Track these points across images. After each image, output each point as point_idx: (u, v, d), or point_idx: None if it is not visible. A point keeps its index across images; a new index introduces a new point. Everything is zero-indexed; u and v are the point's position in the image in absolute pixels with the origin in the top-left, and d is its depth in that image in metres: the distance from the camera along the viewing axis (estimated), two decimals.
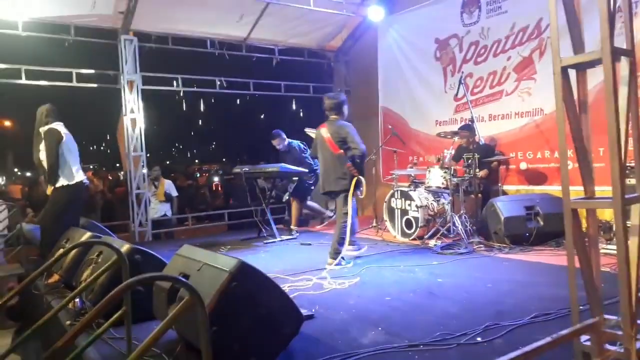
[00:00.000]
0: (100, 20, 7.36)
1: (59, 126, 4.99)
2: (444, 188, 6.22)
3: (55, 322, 3.32)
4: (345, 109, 5.27)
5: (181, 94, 8.88)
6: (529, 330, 2.94)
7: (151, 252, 3.67)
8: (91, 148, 37.79)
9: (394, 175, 7.20)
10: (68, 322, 3.35)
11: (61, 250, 3.90)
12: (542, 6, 6.16)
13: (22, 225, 6.05)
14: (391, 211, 6.71)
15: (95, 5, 6.99)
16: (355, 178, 4.96)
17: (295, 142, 7.45)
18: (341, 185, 5.03)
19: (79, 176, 4.99)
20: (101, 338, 2.66)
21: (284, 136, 7.40)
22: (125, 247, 3.45)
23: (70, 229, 4.74)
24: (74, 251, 4.01)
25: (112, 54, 7.66)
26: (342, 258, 4.99)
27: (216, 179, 15.47)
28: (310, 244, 6.45)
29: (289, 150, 7.33)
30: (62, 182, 4.91)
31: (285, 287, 4.14)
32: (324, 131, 5.20)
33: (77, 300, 3.46)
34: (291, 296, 2.90)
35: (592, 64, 2.21)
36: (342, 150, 5.02)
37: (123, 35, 7.53)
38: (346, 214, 4.99)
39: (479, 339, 2.86)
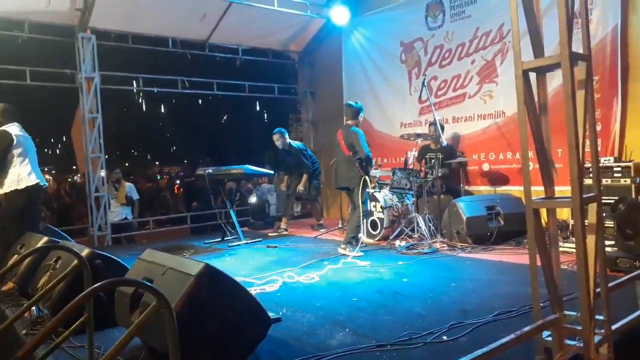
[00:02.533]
0: (57, 17, 7.10)
1: (12, 127, 4.78)
2: (407, 189, 6.31)
3: (11, 331, 3.17)
4: (361, 116, 6.01)
5: (141, 94, 8.69)
6: (493, 327, 3.01)
7: (112, 256, 3.56)
8: (46, 150, 36.38)
9: None
10: (24, 332, 3.21)
11: (16, 257, 3.75)
12: (504, 11, 6.35)
13: None
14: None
15: (51, 1, 6.74)
16: (363, 177, 5.60)
17: (298, 144, 7.56)
18: (351, 182, 5.73)
19: (33, 179, 4.78)
20: (61, 347, 2.57)
21: (286, 135, 7.42)
22: (84, 252, 3.33)
23: (25, 235, 4.55)
24: (29, 257, 3.84)
25: (69, 52, 7.40)
26: (353, 245, 5.60)
27: (178, 181, 15.19)
28: (276, 247, 6.41)
29: (289, 150, 7.32)
30: (14, 185, 4.70)
31: (252, 291, 4.10)
32: (339, 135, 5.94)
33: (33, 308, 3.33)
34: (258, 299, 2.86)
35: (552, 67, 2.29)
36: (351, 153, 5.71)
37: (80, 33, 7.29)
38: (359, 207, 5.65)
39: (444, 337, 2.90)
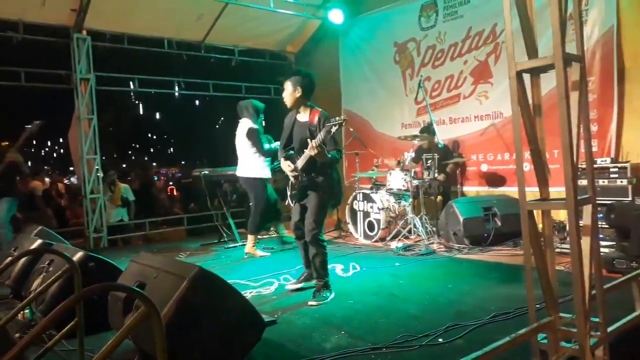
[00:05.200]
0: (52, 17, 7.06)
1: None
2: (404, 190, 6.30)
3: (3, 334, 3.15)
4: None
5: (138, 96, 8.67)
6: (489, 329, 3.00)
7: (106, 259, 3.54)
8: (42, 151, 36.35)
9: (355, 178, 7.24)
10: (17, 335, 3.18)
11: (9, 259, 3.72)
12: (497, 11, 6.35)
13: None
14: (353, 213, 6.74)
15: (46, 2, 6.70)
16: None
17: None
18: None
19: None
20: (53, 350, 2.54)
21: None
22: (77, 255, 3.32)
23: (19, 237, 4.52)
24: (23, 260, 3.82)
25: (64, 53, 7.37)
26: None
27: (172, 183, 15.16)
28: (272, 248, 6.39)
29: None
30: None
31: (247, 293, 4.08)
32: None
33: (26, 311, 3.31)
34: (253, 302, 2.84)
35: (545, 68, 2.27)
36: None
37: (76, 34, 7.26)
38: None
39: (440, 339, 2.89)
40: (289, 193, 4.09)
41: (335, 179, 3.98)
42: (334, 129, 3.60)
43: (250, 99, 6.56)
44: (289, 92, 3.95)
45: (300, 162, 3.89)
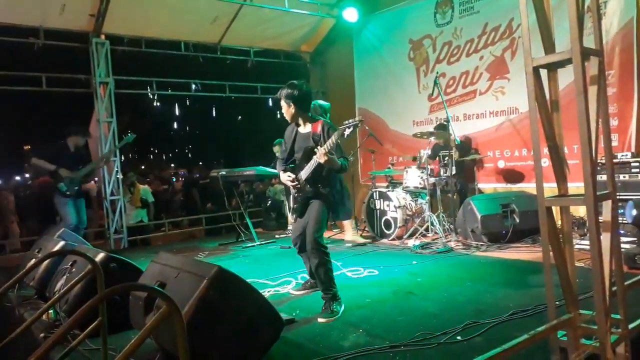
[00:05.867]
0: (71, 22, 7.19)
1: None
2: (421, 188, 6.27)
3: (28, 335, 3.23)
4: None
5: (156, 97, 8.76)
6: (508, 327, 2.98)
7: (127, 259, 3.60)
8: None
9: (371, 176, 7.23)
10: (42, 335, 3.26)
11: (33, 261, 3.81)
12: (513, 6, 6.28)
13: None
14: (370, 212, 6.74)
15: (65, 8, 6.83)
16: None
17: None
18: None
19: None
20: (77, 350, 2.61)
21: None
22: (99, 256, 3.38)
23: (42, 238, 4.63)
24: (47, 261, 3.91)
25: (83, 58, 7.50)
26: None
27: (193, 183, 15.26)
28: (290, 247, 6.42)
29: None
30: None
31: (265, 292, 4.12)
32: None
33: (50, 311, 3.38)
34: (271, 301, 2.87)
35: (563, 63, 2.25)
36: None
37: (94, 39, 7.39)
38: None
39: (458, 337, 2.88)
40: (290, 206, 3.93)
41: (339, 190, 3.76)
42: (347, 131, 3.37)
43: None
44: (285, 110, 3.80)
45: (305, 172, 3.66)
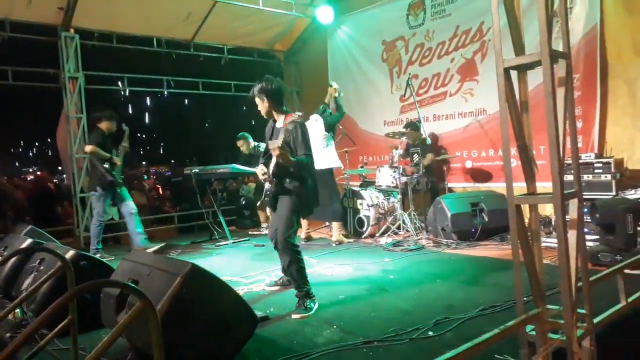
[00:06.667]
0: (39, 15, 6.99)
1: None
2: (393, 187, 6.34)
3: None
4: None
5: (127, 94, 8.59)
6: (478, 322, 3.05)
7: (98, 257, 3.53)
8: (30, 150, 35.94)
9: (345, 175, 7.27)
10: (8, 335, 3.18)
11: None
12: (484, 10, 6.41)
13: None
14: (344, 210, 6.77)
15: (32, 0, 6.64)
16: None
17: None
18: None
19: None
20: (45, 350, 2.54)
21: (250, 139, 7.38)
22: (69, 254, 3.31)
23: (9, 236, 4.50)
24: (13, 259, 3.80)
25: (52, 52, 7.30)
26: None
27: (165, 181, 15.07)
28: (263, 245, 6.40)
29: (254, 154, 7.27)
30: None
31: (239, 290, 4.10)
32: None
33: (17, 311, 3.29)
34: (245, 299, 2.86)
35: (532, 65, 2.31)
36: None
37: (63, 32, 7.20)
38: None
39: (430, 333, 2.93)
40: (263, 200, 3.93)
41: (311, 187, 3.71)
42: (290, 126, 3.51)
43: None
44: (260, 106, 3.82)
45: (271, 167, 3.65)
